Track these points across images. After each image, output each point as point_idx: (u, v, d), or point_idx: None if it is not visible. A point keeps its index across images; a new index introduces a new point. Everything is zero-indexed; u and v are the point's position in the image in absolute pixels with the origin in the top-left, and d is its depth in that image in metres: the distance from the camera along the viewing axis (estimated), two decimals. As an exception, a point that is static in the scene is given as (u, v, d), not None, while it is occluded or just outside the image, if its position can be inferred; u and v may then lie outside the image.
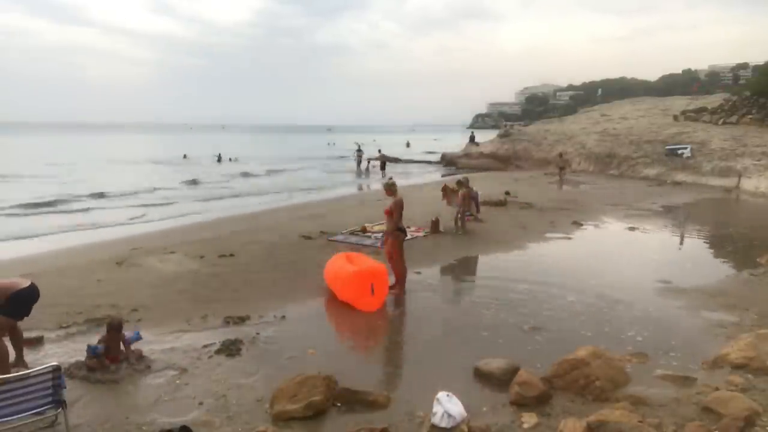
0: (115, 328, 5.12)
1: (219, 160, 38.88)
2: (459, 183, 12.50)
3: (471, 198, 12.44)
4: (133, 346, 5.23)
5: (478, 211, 13.12)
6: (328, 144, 58.04)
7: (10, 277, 5.03)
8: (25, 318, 4.88)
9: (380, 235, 11.15)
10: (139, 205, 18.49)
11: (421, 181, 27.28)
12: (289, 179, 28.38)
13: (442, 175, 27.16)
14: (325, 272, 7.77)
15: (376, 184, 26.67)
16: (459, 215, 11.77)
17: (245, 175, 29.72)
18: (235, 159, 39.50)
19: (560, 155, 24.30)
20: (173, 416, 4.21)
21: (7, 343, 4.79)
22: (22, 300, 4.71)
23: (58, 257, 10.10)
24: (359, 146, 34.61)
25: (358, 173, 31.10)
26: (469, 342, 5.87)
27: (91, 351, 4.99)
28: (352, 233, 11.25)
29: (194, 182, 25.56)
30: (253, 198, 21.03)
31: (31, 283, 4.84)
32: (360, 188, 25.28)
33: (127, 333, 5.27)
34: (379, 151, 31.68)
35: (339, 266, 7.48)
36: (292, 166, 36.24)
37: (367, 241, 10.52)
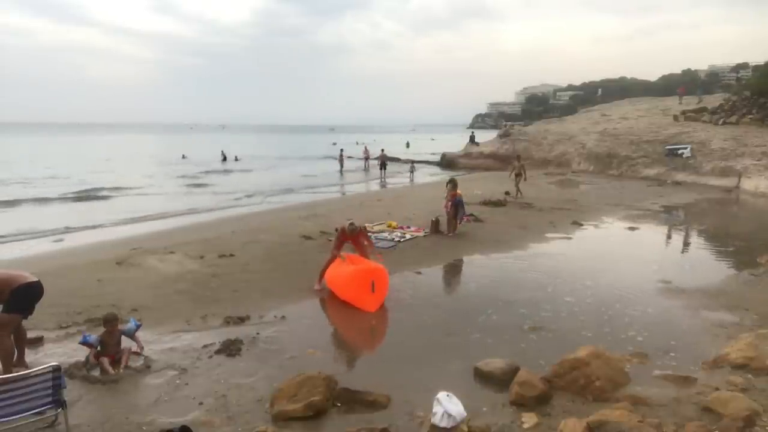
0: (110, 321, 5.14)
1: (224, 159, 38.67)
2: (449, 183, 12.04)
3: (453, 203, 11.42)
4: (125, 342, 5.26)
5: (461, 220, 11.74)
6: (334, 144, 57.78)
7: (19, 270, 4.97)
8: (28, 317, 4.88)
9: (381, 234, 11.19)
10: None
11: (421, 180, 27.33)
12: (289, 179, 28.37)
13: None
14: (325, 273, 7.77)
15: (371, 185, 26.69)
16: (449, 217, 11.55)
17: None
18: (240, 158, 39.40)
19: (518, 158, 19.93)
20: (173, 416, 4.21)
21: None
22: (26, 294, 4.68)
23: (58, 257, 10.11)
24: (342, 149, 35.29)
25: (341, 173, 31.15)
26: (469, 342, 5.86)
27: (84, 338, 5.02)
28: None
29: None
30: (253, 198, 21.05)
31: (38, 279, 4.83)
32: (342, 189, 24.94)
33: (123, 326, 5.30)
34: (382, 150, 31.78)
35: (339, 266, 7.49)
36: (292, 166, 36.27)
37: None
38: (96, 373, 4.90)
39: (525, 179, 17.75)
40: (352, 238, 7.69)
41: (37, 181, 24.97)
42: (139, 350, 5.26)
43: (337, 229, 7.95)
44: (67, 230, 13.86)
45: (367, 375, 5.09)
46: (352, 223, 7.61)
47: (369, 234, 10.99)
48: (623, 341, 5.83)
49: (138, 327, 5.36)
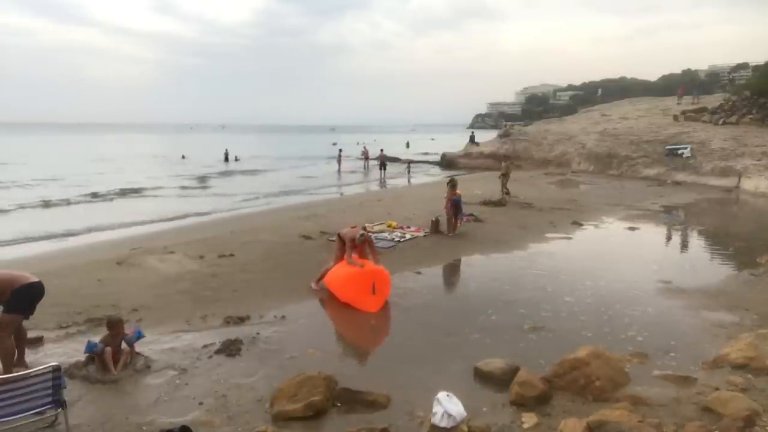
0: (114, 324, 5.12)
1: (226, 159, 38.49)
2: (448, 183, 12.03)
3: (452, 203, 11.44)
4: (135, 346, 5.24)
5: (461, 220, 11.88)
6: (334, 144, 57.42)
7: (20, 270, 4.97)
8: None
9: (381, 234, 11.18)
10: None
11: (421, 180, 27.34)
12: (289, 180, 28.37)
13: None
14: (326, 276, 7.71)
15: (370, 185, 26.70)
16: (449, 217, 11.54)
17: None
18: (239, 158, 39.34)
19: (505, 158, 20.05)
20: (173, 416, 4.21)
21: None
22: (27, 294, 4.66)
23: (58, 257, 10.11)
24: (340, 149, 35.49)
25: (339, 173, 31.09)
26: (469, 342, 5.87)
27: (88, 348, 5.00)
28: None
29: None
30: (253, 198, 21.05)
31: (39, 280, 4.83)
32: (340, 191, 24.29)
33: (128, 332, 5.27)
34: (381, 150, 31.81)
35: (339, 268, 7.46)
36: (293, 167, 36.25)
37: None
38: (95, 371, 4.89)
39: (509, 173, 17.77)
40: (360, 246, 7.57)
41: (37, 183, 24.89)
42: (131, 355, 5.18)
43: (339, 235, 7.80)
44: (69, 233, 13.82)
45: (367, 375, 5.09)
46: (362, 234, 7.54)
47: (370, 234, 11.00)
48: (623, 341, 5.83)
49: (139, 338, 5.30)
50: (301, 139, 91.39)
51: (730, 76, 65.65)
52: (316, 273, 7.86)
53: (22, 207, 18.01)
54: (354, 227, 7.84)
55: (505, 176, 17.56)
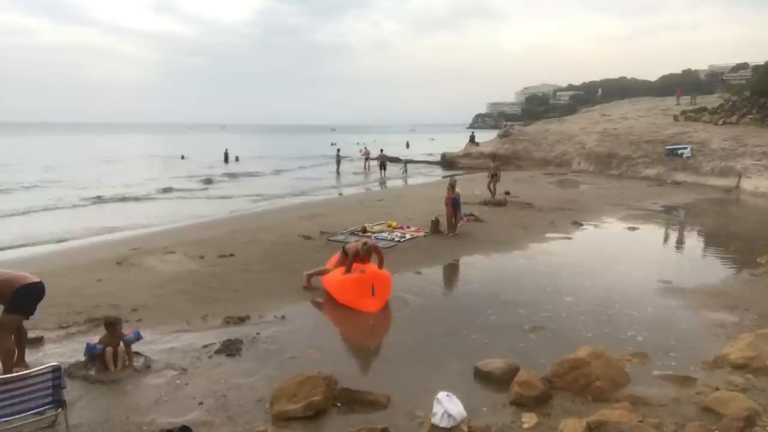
0: (112, 324, 5.12)
1: (226, 159, 38.42)
2: (449, 183, 11.99)
3: (452, 202, 11.43)
4: (133, 347, 5.23)
5: (460, 220, 11.91)
6: (333, 144, 57.15)
7: (20, 271, 4.96)
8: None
9: (381, 234, 11.18)
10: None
11: (420, 180, 27.33)
12: (289, 180, 28.35)
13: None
14: (323, 278, 7.69)
15: (369, 186, 26.68)
16: (449, 217, 11.53)
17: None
18: (239, 159, 39.30)
19: (493, 158, 20.49)
20: (173, 416, 4.21)
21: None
22: (28, 294, 4.67)
23: (58, 257, 10.11)
24: (338, 149, 35.53)
25: (337, 174, 31.10)
26: (469, 342, 5.87)
27: (88, 350, 4.99)
28: (352, 233, 11.25)
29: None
30: (253, 198, 21.04)
31: (39, 280, 4.83)
32: (339, 193, 23.93)
33: (127, 333, 5.27)
34: (381, 150, 31.82)
35: (339, 271, 7.44)
36: (293, 167, 36.25)
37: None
38: (95, 371, 4.89)
39: (499, 180, 17.42)
40: (365, 256, 7.39)
41: (38, 185, 24.83)
42: (128, 355, 5.17)
43: (344, 249, 7.66)
44: (69, 234, 13.79)
45: (367, 375, 5.10)
46: (366, 244, 7.47)
47: (369, 234, 11.01)
48: (623, 341, 5.83)
49: (138, 339, 5.28)
50: (301, 139, 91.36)
51: (723, 77, 65.81)
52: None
53: (23, 209, 17.98)
54: (357, 240, 7.77)
55: (494, 177, 17.14)
